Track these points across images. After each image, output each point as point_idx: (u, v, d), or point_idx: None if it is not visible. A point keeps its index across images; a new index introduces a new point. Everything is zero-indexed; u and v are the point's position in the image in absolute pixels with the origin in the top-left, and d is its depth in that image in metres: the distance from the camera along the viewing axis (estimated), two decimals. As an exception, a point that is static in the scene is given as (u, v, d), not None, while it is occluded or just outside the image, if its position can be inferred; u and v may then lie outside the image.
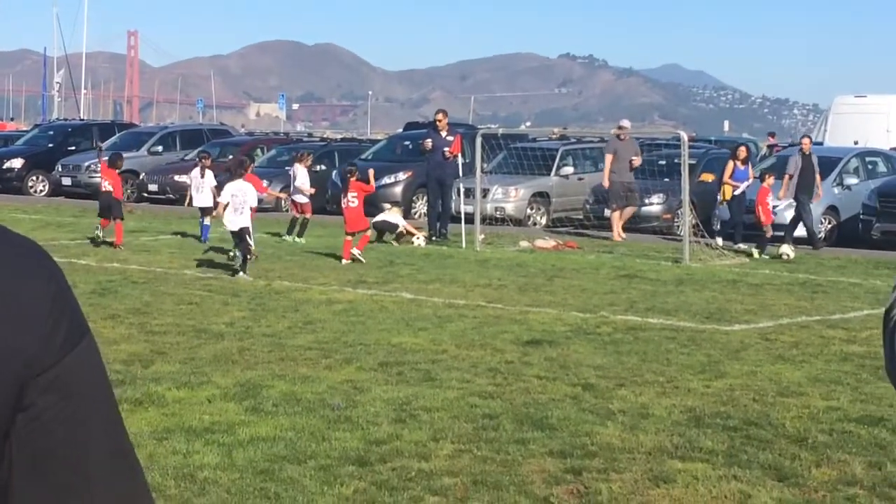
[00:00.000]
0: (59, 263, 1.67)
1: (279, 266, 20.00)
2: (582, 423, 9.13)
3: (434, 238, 25.05)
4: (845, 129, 35.39)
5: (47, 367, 1.60)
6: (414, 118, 61.33)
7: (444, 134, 25.62)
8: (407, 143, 36.53)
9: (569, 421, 9.20)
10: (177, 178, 35.94)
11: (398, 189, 31.68)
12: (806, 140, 26.86)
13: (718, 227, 26.29)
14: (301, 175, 25.28)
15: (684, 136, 25.57)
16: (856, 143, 31.83)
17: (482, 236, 24.33)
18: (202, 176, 25.08)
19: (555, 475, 7.80)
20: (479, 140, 26.13)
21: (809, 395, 10.35)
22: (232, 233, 18.79)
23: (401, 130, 45.42)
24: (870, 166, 29.26)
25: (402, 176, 32.12)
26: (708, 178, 29.70)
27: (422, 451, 8.29)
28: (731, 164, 25.63)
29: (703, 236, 23.38)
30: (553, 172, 31.56)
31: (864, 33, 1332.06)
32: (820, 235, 26.21)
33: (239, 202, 18.55)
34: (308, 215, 24.83)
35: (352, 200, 21.09)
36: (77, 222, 28.22)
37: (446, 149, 25.36)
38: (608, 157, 27.22)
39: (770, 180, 24.27)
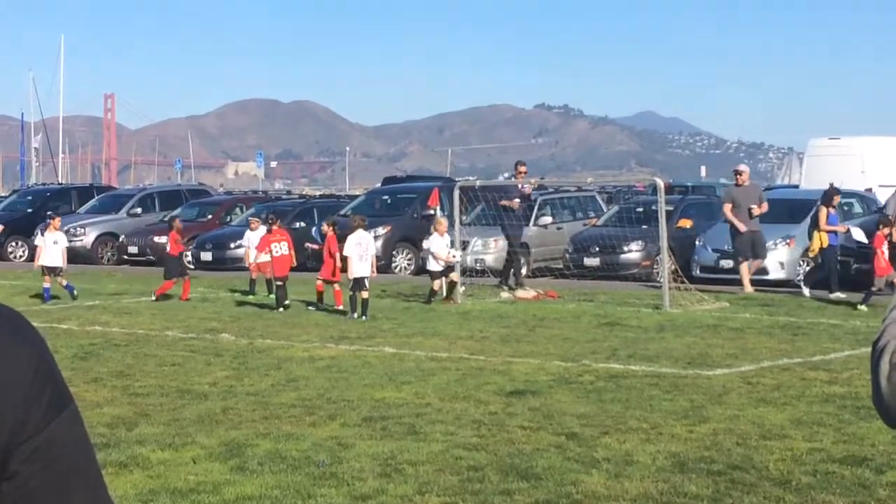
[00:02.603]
0: (41, 328, 1.70)
1: (260, 324, 20.00)
2: (567, 472, 9.15)
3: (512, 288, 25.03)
4: (820, 172, 35.56)
5: (31, 435, 1.62)
6: (392, 172, 61.42)
7: (520, 186, 25.75)
8: (386, 197, 36.62)
9: (554, 470, 9.22)
10: (156, 239, 35.99)
11: (378, 244, 31.69)
12: None
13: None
14: (254, 239, 25.60)
15: (660, 183, 25.69)
16: (831, 184, 32.00)
17: (463, 288, 24.37)
18: (45, 235, 25.32)
19: (541, 525, 7.80)
20: (457, 192, 26.23)
21: (792, 437, 10.39)
22: (354, 279, 20.95)
23: (379, 185, 45.52)
24: (846, 208, 29.39)
25: (381, 231, 32.18)
26: (686, 224, 29.84)
27: (408, 505, 8.30)
28: (824, 210, 24.28)
29: (682, 282, 23.46)
30: (532, 222, 31.67)
31: (837, 76, 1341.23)
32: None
33: (362, 251, 21.21)
34: (266, 273, 24.87)
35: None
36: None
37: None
38: (727, 207, 25.51)
39: (887, 229, 22.50)
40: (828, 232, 24.07)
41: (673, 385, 13.26)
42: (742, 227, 24.97)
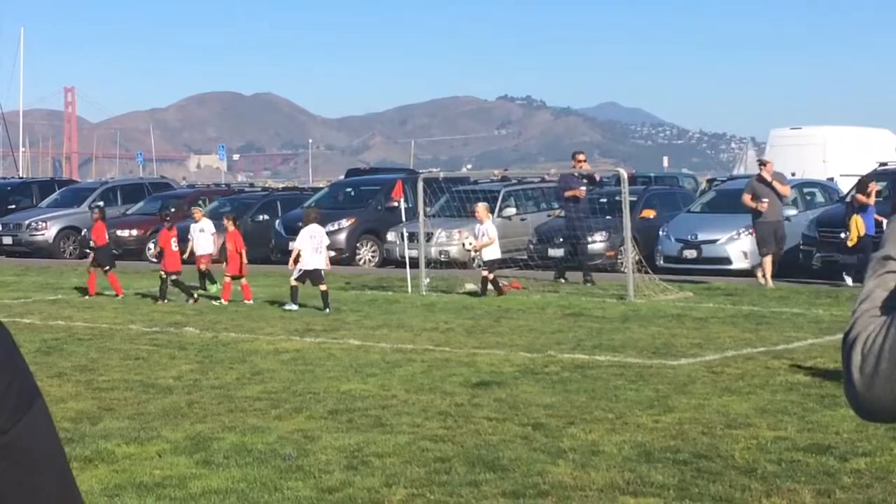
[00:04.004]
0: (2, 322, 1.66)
1: (225, 317, 19.93)
2: (533, 463, 9.16)
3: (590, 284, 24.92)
4: (782, 161, 35.72)
5: (0, 433, 1.58)
6: (355, 164, 61.16)
7: (575, 174, 25.80)
8: (349, 189, 36.57)
9: (520, 461, 9.23)
10: (119, 233, 35.80)
11: (342, 236, 31.67)
12: None
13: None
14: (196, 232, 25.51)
15: (624, 173, 25.75)
16: (793, 174, 32.13)
17: (427, 280, 24.35)
18: None
19: (508, 516, 7.80)
20: (420, 184, 26.21)
21: (757, 425, 10.44)
22: (306, 271, 21.01)
23: (342, 177, 45.46)
24: (808, 197, 29.59)
25: (345, 223, 32.14)
26: (649, 214, 29.92)
27: (375, 497, 8.29)
28: (861, 196, 23.33)
29: (646, 272, 23.52)
30: (496, 214, 31.66)
31: (799, 67, 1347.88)
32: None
33: (316, 243, 21.24)
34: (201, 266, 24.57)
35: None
36: (19, 281, 27.99)
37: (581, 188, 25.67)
38: (746, 197, 24.32)
39: None
40: (863, 216, 23.04)
41: (638, 375, 13.29)
42: (763, 207, 23.80)
